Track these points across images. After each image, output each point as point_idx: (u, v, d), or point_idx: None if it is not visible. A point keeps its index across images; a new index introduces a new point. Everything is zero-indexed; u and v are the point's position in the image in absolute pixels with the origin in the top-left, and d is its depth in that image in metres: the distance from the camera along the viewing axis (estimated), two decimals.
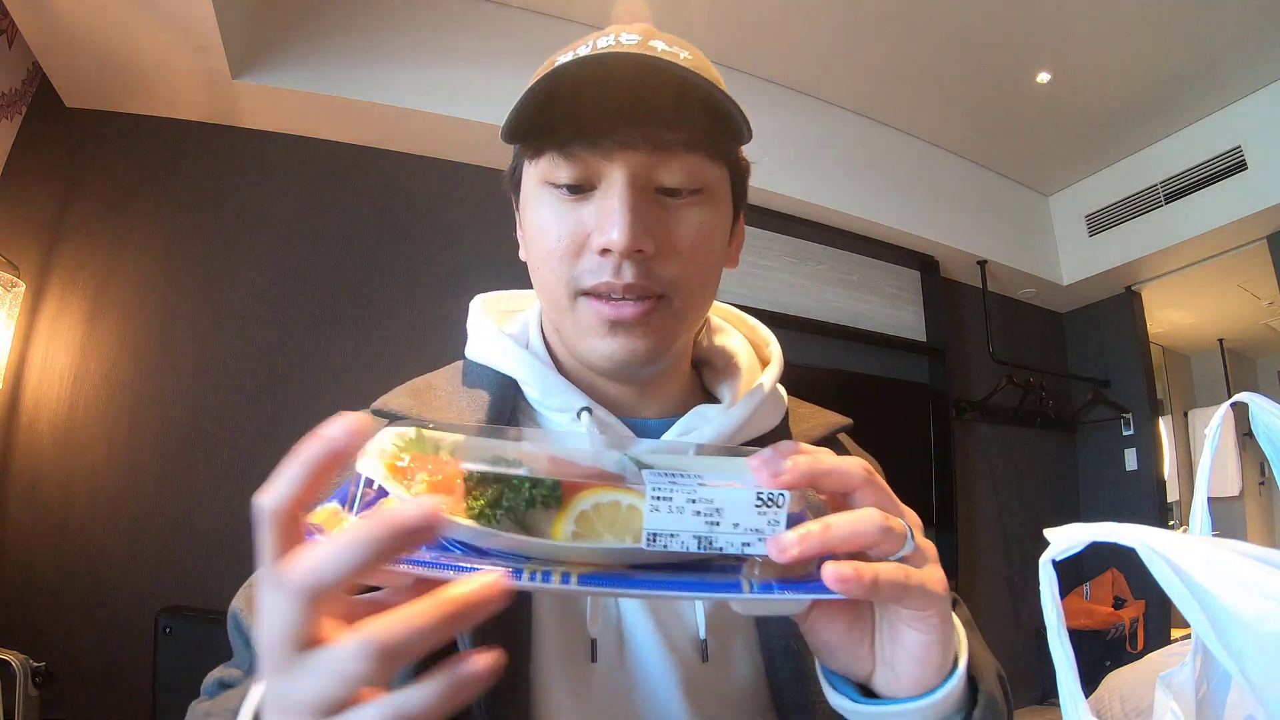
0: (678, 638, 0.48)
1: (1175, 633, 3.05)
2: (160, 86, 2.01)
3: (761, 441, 0.53)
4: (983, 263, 3.30)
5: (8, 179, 1.86)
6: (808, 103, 2.95)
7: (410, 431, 0.33)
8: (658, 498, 0.31)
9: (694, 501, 0.31)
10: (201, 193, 2.14)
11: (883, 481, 0.35)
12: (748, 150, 0.54)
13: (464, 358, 0.59)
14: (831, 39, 2.61)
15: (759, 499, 0.31)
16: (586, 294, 0.47)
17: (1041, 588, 0.40)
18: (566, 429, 0.52)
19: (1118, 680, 1.90)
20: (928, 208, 3.13)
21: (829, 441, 0.59)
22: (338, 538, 0.25)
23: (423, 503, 0.25)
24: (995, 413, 3.31)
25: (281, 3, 2.12)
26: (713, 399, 0.58)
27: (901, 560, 0.33)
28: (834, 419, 0.62)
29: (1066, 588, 3.37)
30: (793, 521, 0.32)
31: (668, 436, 0.52)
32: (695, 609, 0.49)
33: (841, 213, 2.90)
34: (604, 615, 0.48)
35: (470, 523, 0.30)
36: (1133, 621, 3.06)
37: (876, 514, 0.33)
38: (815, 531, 0.31)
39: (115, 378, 1.94)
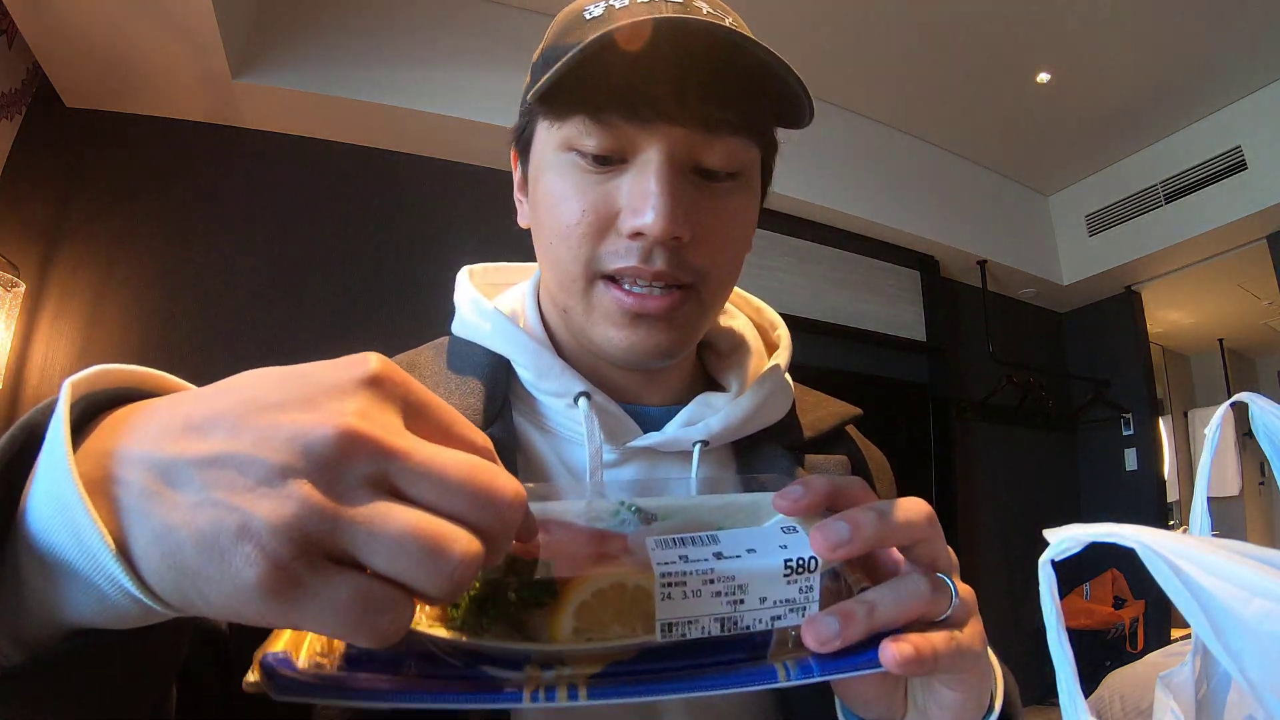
0: None
1: (1175, 633, 3.05)
2: (160, 86, 2.01)
3: (771, 433, 0.51)
4: (983, 263, 3.30)
5: (8, 179, 1.86)
6: None
7: None
8: (669, 584, 0.26)
9: (712, 583, 0.27)
10: (201, 193, 2.14)
11: (941, 535, 0.32)
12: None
13: (450, 334, 0.54)
14: (831, 39, 2.61)
15: (787, 567, 0.27)
16: (608, 278, 0.43)
17: (1041, 588, 0.40)
18: (564, 416, 0.48)
19: (1118, 680, 1.90)
20: (928, 208, 3.13)
21: (838, 434, 0.56)
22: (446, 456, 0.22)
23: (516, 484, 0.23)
24: (995, 413, 3.31)
25: (281, 3, 2.12)
26: (715, 385, 0.54)
27: (946, 620, 0.31)
28: (843, 409, 0.58)
29: (1067, 587, 3.36)
30: (825, 578, 0.28)
31: (672, 427, 0.48)
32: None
33: (841, 213, 2.90)
34: None
35: (452, 635, 0.26)
36: (1133, 621, 3.06)
37: (924, 584, 0.30)
38: (860, 616, 0.28)
39: None
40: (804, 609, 0.28)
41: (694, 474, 0.47)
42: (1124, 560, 2.92)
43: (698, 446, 0.47)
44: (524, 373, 0.49)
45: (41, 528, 0.21)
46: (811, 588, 0.28)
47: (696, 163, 0.42)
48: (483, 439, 0.25)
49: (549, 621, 0.27)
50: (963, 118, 3.06)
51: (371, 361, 0.23)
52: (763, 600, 0.27)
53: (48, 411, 0.22)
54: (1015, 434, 3.44)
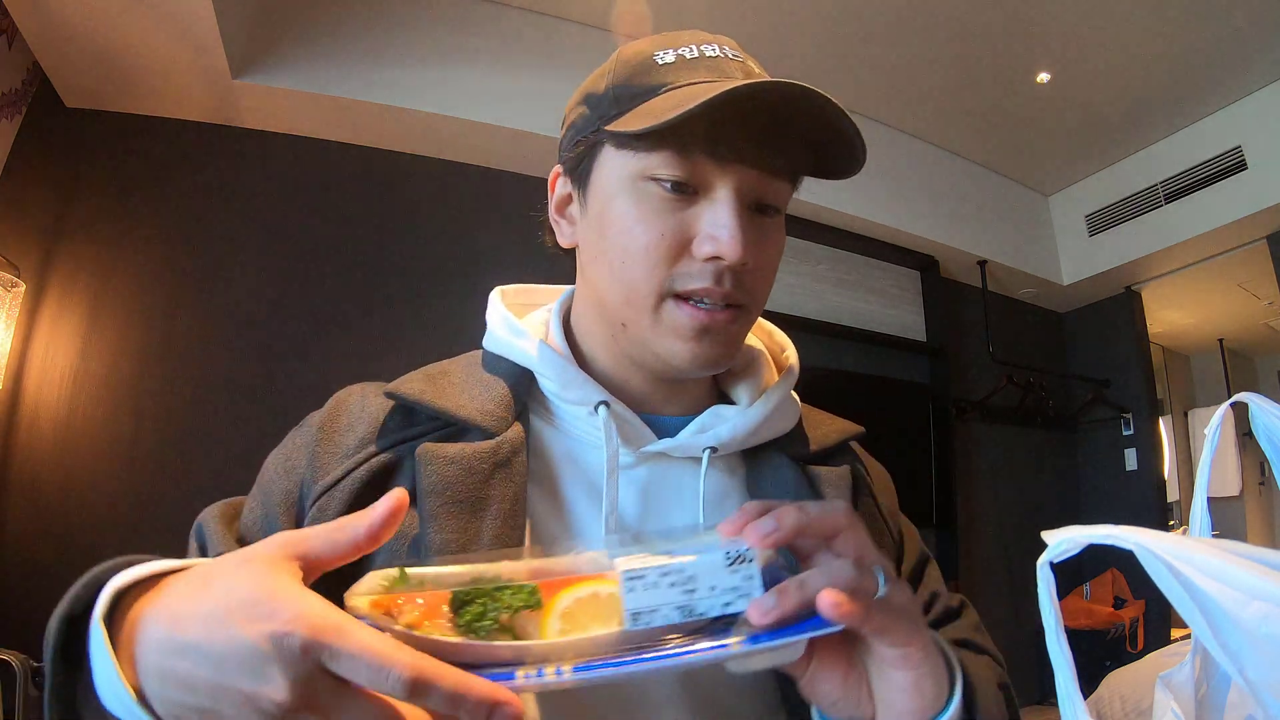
0: None
1: (1175, 633, 3.05)
2: (160, 86, 2.01)
3: (778, 444, 0.56)
4: (983, 263, 3.30)
5: (8, 179, 1.86)
6: None
7: (394, 571, 0.34)
8: (633, 579, 0.32)
9: (667, 574, 0.32)
10: (201, 192, 2.14)
11: (861, 528, 0.38)
12: None
13: (481, 349, 0.59)
14: (831, 39, 2.61)
15: (728, 557, 0.33)
16: (675, 296, 0.48)
17: (1040, 590, 0.40)
18: (584, 423, 0.53)
19: (1118, 680, 1.90)
20: (928, 208, 3.13)
21: (841, 449, 0.60)
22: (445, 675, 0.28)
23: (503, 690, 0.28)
24: (995, 413, 3.31)
25: (281, 3, 2.12)
26: (728, 400, 0.58)
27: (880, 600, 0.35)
28: (847, 426, 0.62)
29: (1067, 587, 3.37)
30: (769, 576, 0.34)
31: (685, 434, 0.53)
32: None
33: (841, 213, 2.90)
34: None
35: (459, 639, 0.31)
36: (1133, 621, 3.06)
37: (848, 565, 0.35)
38: (792, 589, 0.33)
39: (115, 378, 1.94)
40: (748, 594, 0.33)
41: (702, 476, 0.51)
42: (1124, 560, 2.92)
43: (707, 452, 0.52)
44: (548, 384, 0.54)
45: (105, 697, 0.32)
46: (752, 576, 0.33)
47: (757, 199, 0.48)
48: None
49: (537, 625, 0.32)
50: (963, 118, 3.06)
51: (296, 640, 0.27)
52: (712, 588, 0.33)
53: (93, 587, 0.36)
54: (1015, 434, 3.44)
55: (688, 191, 0.47)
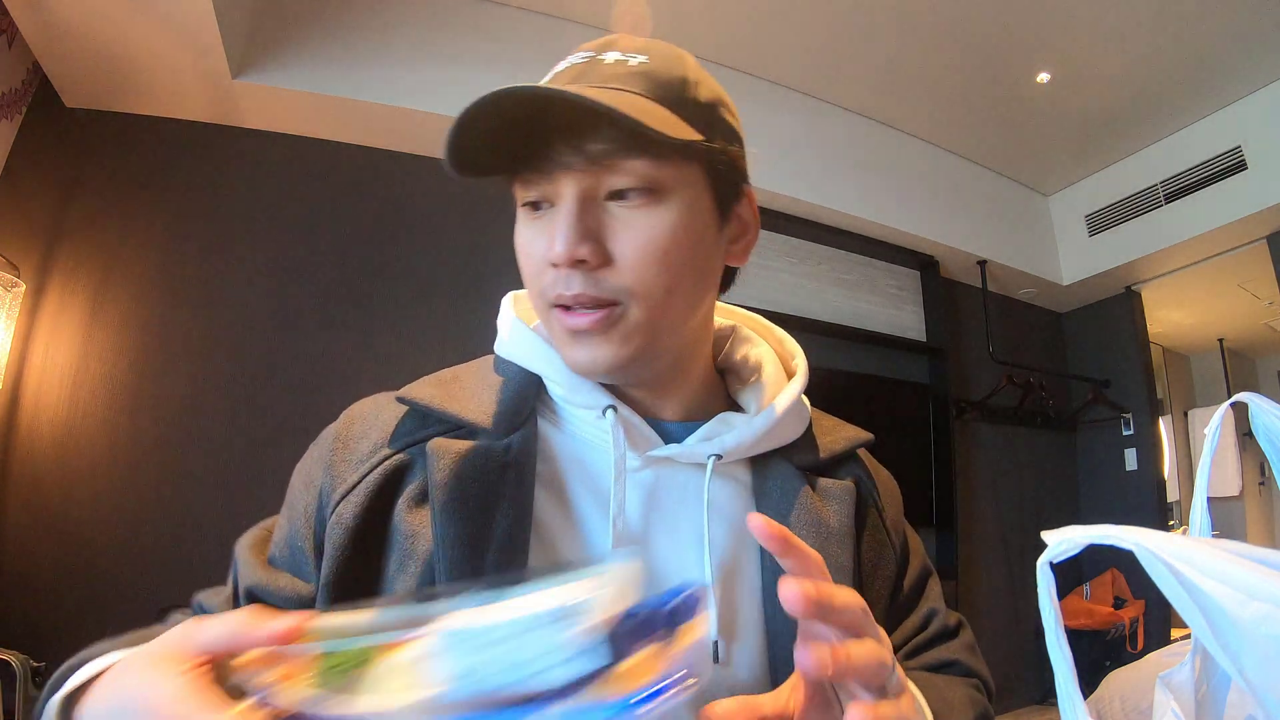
0: None
1: (1175, 633, 3.06)
2: (160, 86, 2.01)
3: (784, 452, 0.56)
4: (983, 263, 3.30)
5: (8, 179, 1.86)
6: (808, 103, 2.95)
7: (302, 621, 0.34)
8: (455, 639, 0.31)
9: (493, 633, 0.30)
10: (201, 192, 2.15)
11: (875, 629, 0.38)
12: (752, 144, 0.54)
13: (494, 353, 0.59)
14: (831, 39, 2.61)
15: (554, 616, 0.30)
16: (554, 305, 0.48)
17: (1039, 590, 0.40)
18: (591, 426, 0.53)
19: (1118, 680, 1.90)
20: (928, 208, 3.13)
21: (849, 457, 0.60)
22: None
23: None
24: (995, 413, 3.31)
25: (281, 3, 2.12)
26: (737, 407, 0.59)
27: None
28: (856, 434, 0.62)
29: (1067, 588, 3.38)
30: (614, 635, 0.31)
31: (691, 440, 0.53)
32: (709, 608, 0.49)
33: (841, 213, 2.90)
34: None
35: (308, 699, 0.31)
36: (1133, 621, 3.06)
37: (886, 655, 0.36)
38: (837, 659, 0.34)
39: (115, 378, 1.94)
40: (591, 653, 0.30)
41: (706, 484, 0.52)
42: (1124, 560, 2.93)
43: (711, 459, 0.52)
44: (556, 388, 0.54)
45: None
46: (582, 630, 0.30)
47: (609, 190, 0.47)
48: None
49: (373, 689, 0.31)
50: (963, 118, 3.06)
51: None
52: (541, 648, 0.30)
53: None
54: (1015, 434, 3.44)
55: (544, 207, 0.48)
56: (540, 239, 0.48)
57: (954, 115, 3.04)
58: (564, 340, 0.49)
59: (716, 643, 0.49)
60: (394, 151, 2.40)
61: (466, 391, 0.54)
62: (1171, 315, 4.20)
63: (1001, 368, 3.27)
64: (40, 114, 1.96)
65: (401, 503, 0.48)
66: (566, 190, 0.47)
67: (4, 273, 1.73)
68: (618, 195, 0.47)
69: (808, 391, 0.63)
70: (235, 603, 0.51)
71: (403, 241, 2.34)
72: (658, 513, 0.52)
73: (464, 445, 0.49)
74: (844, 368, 2.95)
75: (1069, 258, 3.53)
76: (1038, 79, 2.77)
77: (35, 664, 1.50)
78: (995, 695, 0.60)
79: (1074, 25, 2.49)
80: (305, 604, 0.48)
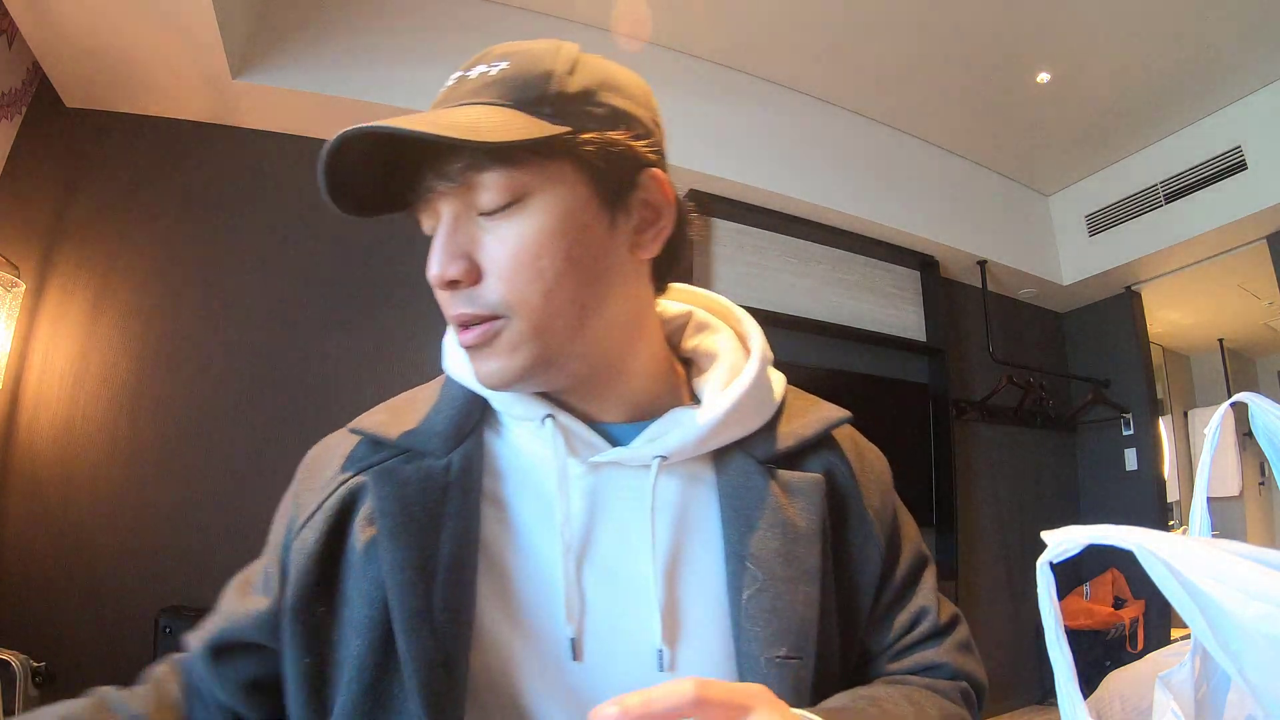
0: (639, 645, 0.48)
1: (1175, 633, 3.06)
2: (160, 86, 2.01)
3: (743, 445, 0.53)
4: (983, 263, 3.30)
5: (8, 179, 1.86)
6: (808, 102, 2.95)
7: None
8: None
9: None
10: (201, 192, 2.14)
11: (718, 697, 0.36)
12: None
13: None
14: (831, 39, 2.61)
15: None
16: (453, 325, 0.49)
17: (1039, 590, 0.40)
18: (533, 437, 0.52)
19: (1118, 680, 1.90)
20: (928, 208, 3.13)
21: (821, 441, 0.56)
22: None
23: None
24: (995, 413, 3.31)
25: (281, 3, 2.12)
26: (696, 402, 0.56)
27: None
28: (828, 414, 0.58)
29: (1067, 588, 3.37)
30: None
31: (636, 443, 0.51)
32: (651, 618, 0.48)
33: (841, 213, 2.90)
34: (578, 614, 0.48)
35: None
36: (1133, 621, 3.06)
37: None
38: None
39: (115, 378, 1.94)
40: None
41: (651, 486, 0.50)
42: (1124, 560, 2.93)
43: (656, 461, 0.50)
44: (497, 402, 0.54)
45: None
46: None
47: (480, 207, 0.46)
48: None
49: None
50: (963, 118, 3.06)
51: None
52: None
53: None
54: (1015, 434, 3.44)
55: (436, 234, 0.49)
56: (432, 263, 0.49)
57: (954, 115, 3.05)
58: (467, 354, 0.50)
59: (661, 651, 0.48)
60: None
61: (418, 413, 0.54)
62: (1171, 315, 4.19)
63: (1001, 368, 3.27)
64: (40, 114, 1.96)
65: (356, 525, 0.49)
66: (442, 213, 0.47)
67: (4, 273, 1.73)
68: (489, 211, 0.46)
69: (808, 391, 0.61)
70: (208, 641, 0.52)
71: (403, 241, 2.34)
72: (605, 518, 0.51)
73: (408, 470, 0.50)
74: (844, 368, 2.95)
75: (1069, 258, 3.53)
76: (1038, 79, 2.77)
77: (35, 664, 1.50)
78: (987, 694, 0.59)
79: (1074, 25, 2.49)
80: (267, 620, 0.49)
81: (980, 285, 3.35)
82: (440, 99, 0.48)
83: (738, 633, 0.48)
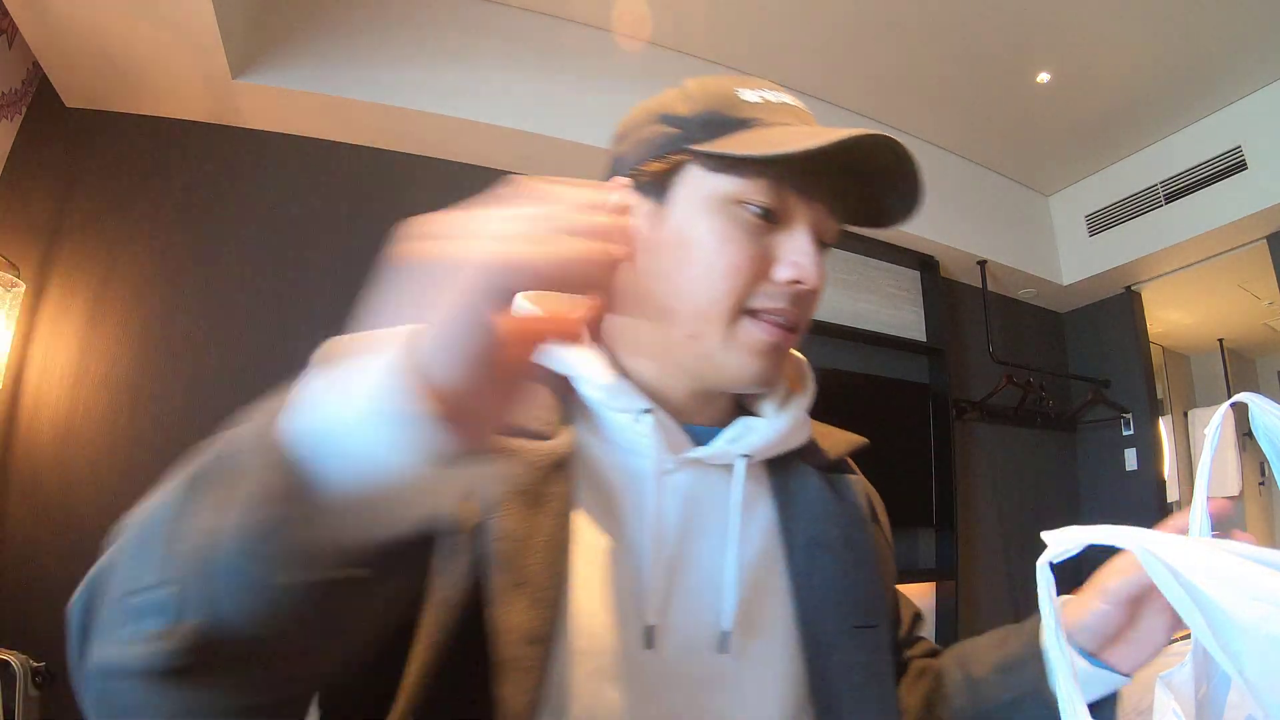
0: (705, 629, 0.51)
1: (1175, 633, 3.05)
2: (160, 86, 2.01)
3: (799, 454, 0.60)
4: (983, 263, 3.30)
5: (8, 179, 1.86)
6: (808, 103, 2.92)
7: None
8: None
9: None
10: (202, 193, 2.14)
11: None
12: None
13: None
14: (831, 39, 2.61)
15: None
16: (753, 314, 0.52)
17: (1039, 590, 0.40)
18: (627, 430, 0.55)
19: None
20: (928, 208, 3.06)
21: (844, 462, 0.65)
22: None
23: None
24: (995, 413, 3.31)
25: (281, 3, 2.12)
26: (748, 412, 0.62)
27: None
28: (854, 439, 0.67)
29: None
30: None
31: (719, 442, 0.56)
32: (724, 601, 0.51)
33: None
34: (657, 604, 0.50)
35: None
36: None
37: None
38: None
39: (115, 378, 1.94)
40: None
41: (739, 481, 0.55)
42: None
43: (741, 459, 0.56)
44: (595, 392, 0.55)
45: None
46: None
47: (821, 235, 0.54)
48: None
49: None
50: (963, 118, 3.06)
51: None
52: None
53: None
54: (1015, 434, 3.44)
55: (772, 220, 0.51)
56: (765, 247, 0.51)
57: (954, 115, 3.04)
58: (753, 350, 0.52)
59: (728, 634, 0.50)
60: (395, 152, 2.39)
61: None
62: (1171, 315, 4.19)
63: (1001, 368, 3.26)
64: (40, 114, 1.95)
65: None
66: (810, 220, 0.52)
67: (4, 273, 1.73)
68: (823, 245, 0.54)
69: None
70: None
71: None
72: (690, 514, 0.54)
73: (514, 443, 0.50)
74: (844, 368, 2.95)
75: (1069, 258, 3.53)
76: (1038, 79, 2.77)
77: (35, 664, 1.50)
78: None
79: (1074, 25, 2.49)
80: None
81: (980, 285, 3.35)
82: (801, 119, 0.56)
83: (807, 615, 0.53)
